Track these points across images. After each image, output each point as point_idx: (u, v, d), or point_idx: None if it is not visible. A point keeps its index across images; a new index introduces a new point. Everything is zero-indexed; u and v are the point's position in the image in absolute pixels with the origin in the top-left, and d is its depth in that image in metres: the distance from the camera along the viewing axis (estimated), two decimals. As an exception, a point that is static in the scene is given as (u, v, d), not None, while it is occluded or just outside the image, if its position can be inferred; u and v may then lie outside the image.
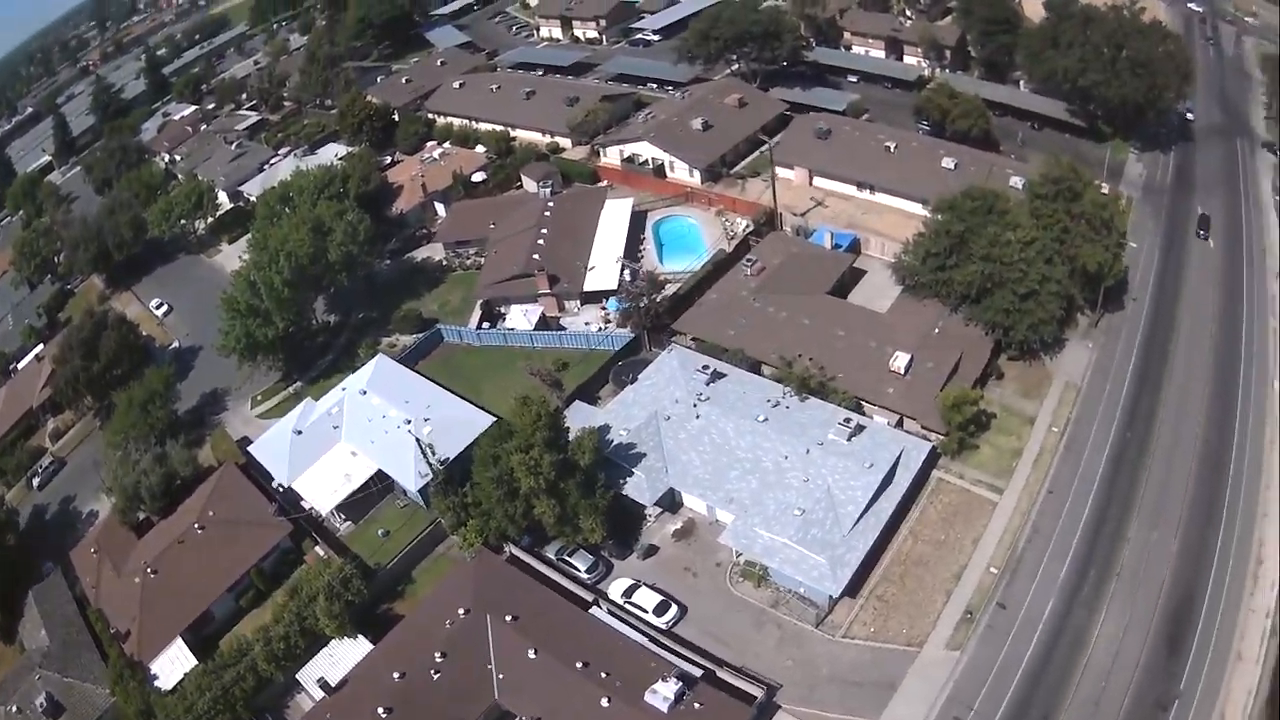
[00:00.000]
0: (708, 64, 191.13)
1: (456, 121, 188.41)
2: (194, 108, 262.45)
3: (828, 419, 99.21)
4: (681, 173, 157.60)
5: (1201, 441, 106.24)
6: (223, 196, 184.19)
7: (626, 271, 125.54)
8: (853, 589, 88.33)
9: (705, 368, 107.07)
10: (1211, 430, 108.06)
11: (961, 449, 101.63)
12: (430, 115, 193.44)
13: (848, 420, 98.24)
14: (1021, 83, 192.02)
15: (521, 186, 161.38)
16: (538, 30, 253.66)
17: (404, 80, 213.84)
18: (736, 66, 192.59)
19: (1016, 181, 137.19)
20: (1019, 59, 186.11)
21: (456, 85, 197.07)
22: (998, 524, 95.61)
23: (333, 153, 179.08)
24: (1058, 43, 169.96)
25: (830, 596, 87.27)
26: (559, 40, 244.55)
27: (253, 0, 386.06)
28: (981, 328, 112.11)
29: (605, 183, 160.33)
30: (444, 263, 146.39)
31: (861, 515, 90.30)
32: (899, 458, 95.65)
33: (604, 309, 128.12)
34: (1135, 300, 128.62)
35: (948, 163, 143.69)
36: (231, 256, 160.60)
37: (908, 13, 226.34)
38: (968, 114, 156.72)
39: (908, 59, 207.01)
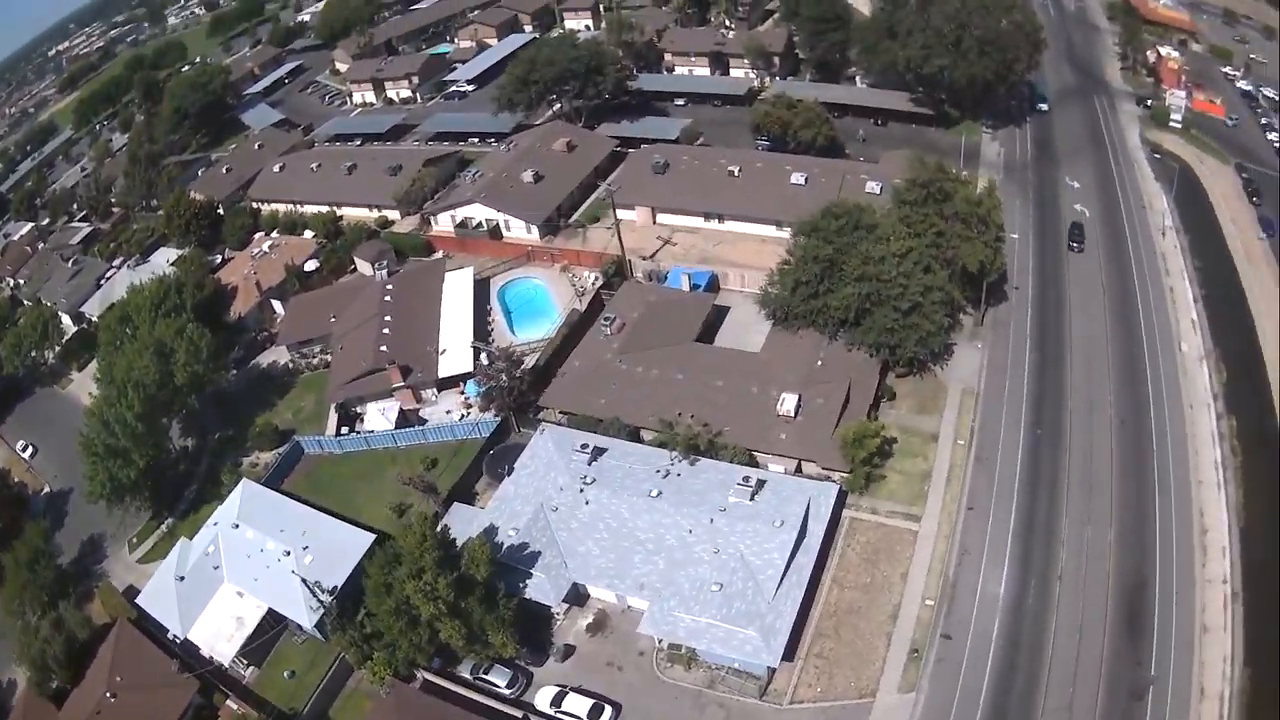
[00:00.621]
0: (529, 110, 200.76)
1: (282, 208, 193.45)
2: (30, 225, 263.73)
3: (724, 480, 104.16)
4: (519, 230, 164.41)
5: (1117, 421, 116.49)
6: (67, 320, 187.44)
7: (482, 355, 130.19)
8: (789, 652, 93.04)
9: (584, 446, 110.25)
10: (1125, 407, 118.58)
11: (869, 483, 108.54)
12: (254, 205, 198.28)
13: (746, 479, 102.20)
14: (858, 78, 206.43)
15: (356, 270, 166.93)
16: (350, 97, 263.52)
17: (224, 170, 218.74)
18: (559, 107, 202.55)
19: (873, 186, 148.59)
20: (853, 55, 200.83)
21: (276, 168, 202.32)
22: (923, 553, 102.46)
23: (164, 258, 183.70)
24: (895, 32, 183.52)
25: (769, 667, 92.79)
26: (373, 105, 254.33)
27: (76, 102, 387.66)
28: (865, 350, 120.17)
29: (441, 253, 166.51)
30: (290, 365, 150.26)
31: (783, 577, 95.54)
32: (808, 508, 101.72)
33: (463, 394, 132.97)
34: (1017, 288, 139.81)
35: (797, 178, 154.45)
36: (84, 384, 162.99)
37: (729, 24, 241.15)
38: (810, 123, 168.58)
39: (735, 72, 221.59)
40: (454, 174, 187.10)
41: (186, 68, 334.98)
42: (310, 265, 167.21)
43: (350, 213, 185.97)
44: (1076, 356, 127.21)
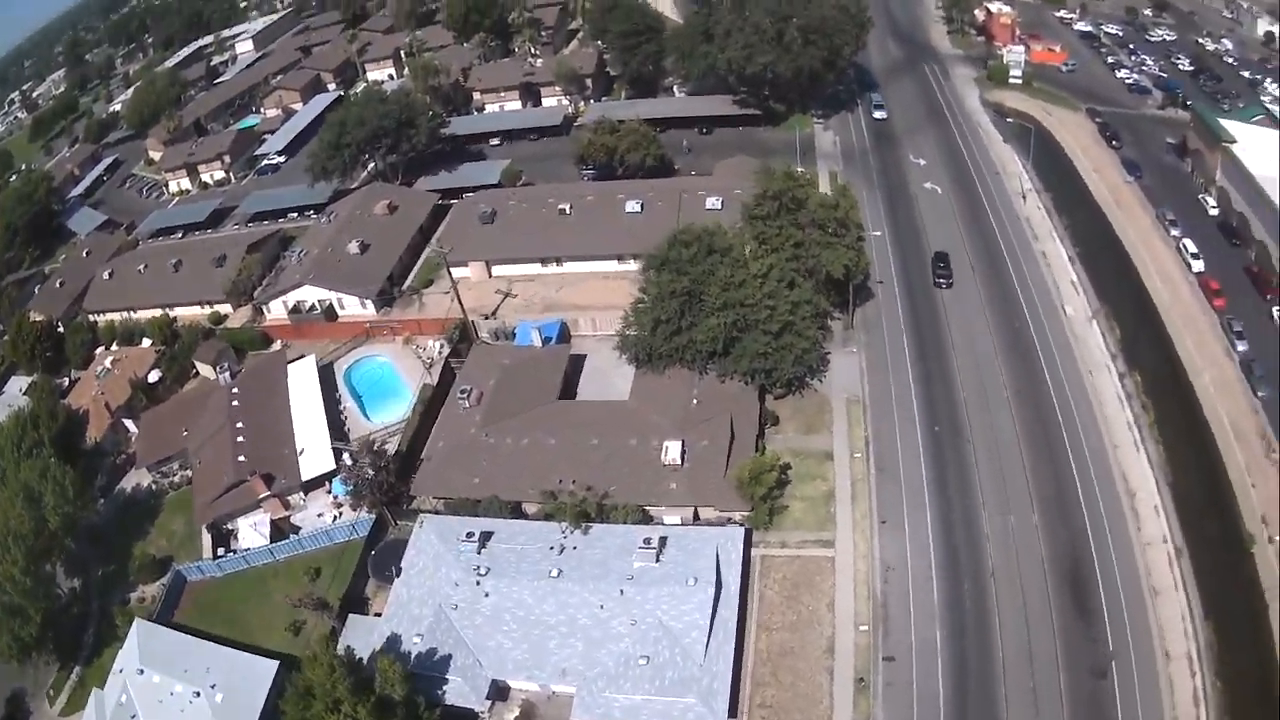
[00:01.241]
0: (345, 175, 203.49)
1: (117, 317, 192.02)
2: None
3: (624, 544, 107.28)
4: (353, 307, 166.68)
5: (1014, 398, 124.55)
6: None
7: (344, 456, 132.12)
8: (732, 708, 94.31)
9: (470, 535, 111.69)
10: (1021, 385, 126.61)
11: (772, 517, 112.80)
12: (91, 317, 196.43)
13: (648, 541, 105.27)
14: (676, 89, 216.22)
15: (198, 374, 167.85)
16: (167, 186, 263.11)
17: (58, 284, 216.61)
18: (374, 166, 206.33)
19: (714, 203, 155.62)
20: (669, 64, 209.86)
21: (106, 276, 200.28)
22: (845, 579, 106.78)
23: (17, 386, 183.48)
24: (711, 35, 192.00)
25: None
26: (190, 191, 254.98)
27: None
28: (740, 379, 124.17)
29: (279, 343, 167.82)
30: (154, 486, 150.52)
31: (709, 637, 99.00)
32: (718, 557, 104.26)
33: (331, 494, 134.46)
34: (882, 282, 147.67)
35: (632, 206, 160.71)
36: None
37: (534, 51, 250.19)
38: (637, 145, 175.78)
39: (547, 101, 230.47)
40: (278, 255, 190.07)
41: (14, 177, 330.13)
42: (153, 376, 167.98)
43: (184, 312, 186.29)
44: (958, 342, 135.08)
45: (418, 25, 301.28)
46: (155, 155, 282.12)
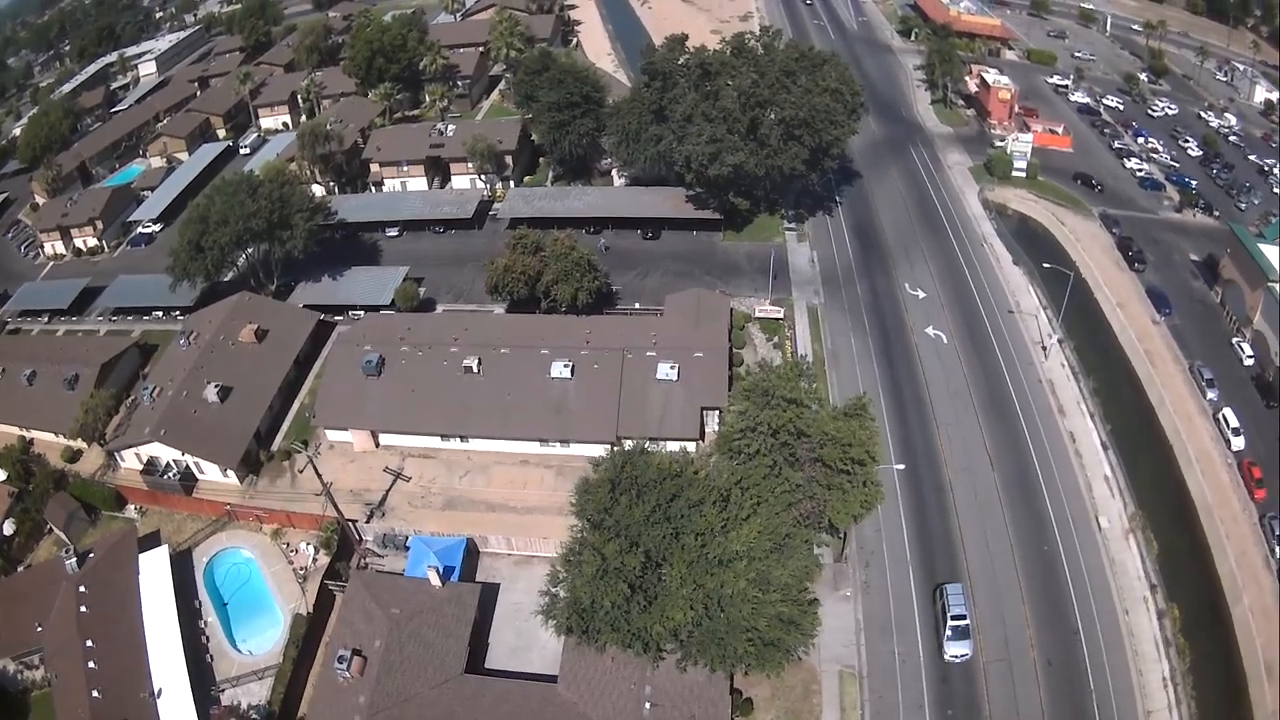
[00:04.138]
0: (209, 278, 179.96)
1: None
2: None
3: None
4: (213, 472, 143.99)
5: (1043, 663, 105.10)
6: None
7: None
8: None
9: None
10: (1050, 641, 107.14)
11: None
12: None
13: None
14: (615, 173, 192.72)
15: (53, 530, 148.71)
16: (43, 248, 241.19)
17: None
18: (244, 261, 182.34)
19: (667, 371, 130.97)
20: (609, 144, 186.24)
21: None
22: None
23: None
24: (664, 114, 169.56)
25: None
26: (64, 257, 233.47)
27: None
28: (704, 666, 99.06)
29: (133, 508, 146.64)
30: (18, 676, 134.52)
31: None
32: None
33: None
34: (880, 484, 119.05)
35: (559, 370, 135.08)
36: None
37: (447, 104, 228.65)
38: (567, 275, 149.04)
39: (458, 180, 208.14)
40: (138, 372, 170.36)
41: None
42: (8, 528, 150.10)
43: (40, 437, 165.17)
44: (978, 577, 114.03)
45: (320, 63, 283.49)
46: (40, 200, 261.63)
